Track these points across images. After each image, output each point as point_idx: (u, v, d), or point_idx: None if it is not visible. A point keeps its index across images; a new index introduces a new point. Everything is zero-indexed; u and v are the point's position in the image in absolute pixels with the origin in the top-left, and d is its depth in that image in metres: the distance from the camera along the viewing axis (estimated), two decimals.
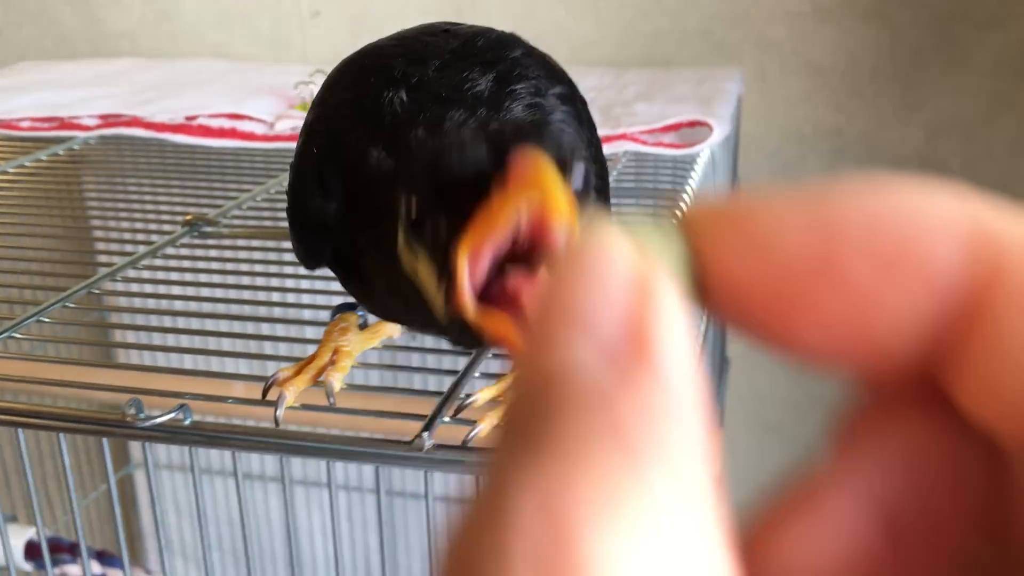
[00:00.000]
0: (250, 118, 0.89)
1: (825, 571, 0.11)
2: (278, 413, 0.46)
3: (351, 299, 0.51)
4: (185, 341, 0.60)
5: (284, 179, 0.74)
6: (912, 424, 0.11)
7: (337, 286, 0.62)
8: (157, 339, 0.74)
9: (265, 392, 0.47)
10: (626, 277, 0.09)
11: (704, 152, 0.78)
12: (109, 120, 0.90)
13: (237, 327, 0.67)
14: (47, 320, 0.56)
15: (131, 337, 0.73)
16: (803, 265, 0.10)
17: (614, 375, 0.09)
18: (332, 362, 0.49)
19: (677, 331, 0.09)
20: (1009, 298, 0.10)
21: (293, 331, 0.62)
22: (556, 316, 0.09)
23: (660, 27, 1.10)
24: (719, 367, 0.95)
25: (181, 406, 0.45)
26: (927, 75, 1.05)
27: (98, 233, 0.78)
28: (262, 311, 0.66)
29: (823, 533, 0.11)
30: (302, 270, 0.70)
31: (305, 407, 0.47)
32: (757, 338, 0.11)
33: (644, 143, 0.80)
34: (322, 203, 0.41)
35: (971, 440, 0.11)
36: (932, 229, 0.10)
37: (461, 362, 0.51)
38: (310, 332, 0.57)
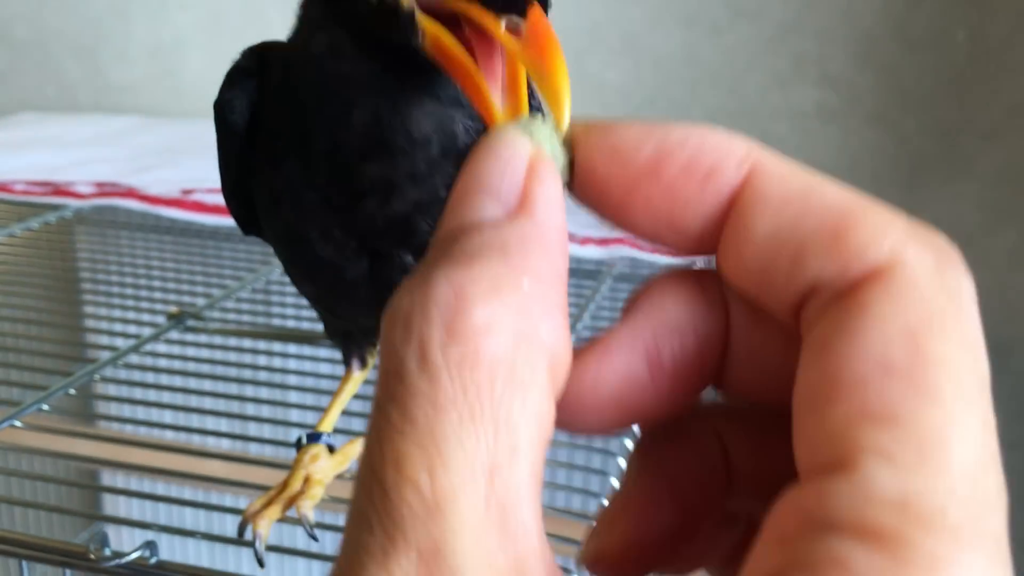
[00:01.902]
0: None
1: (610, 390, 0.17)
2: (259, 553, 0.44)
3: (315, 430, 0.50)
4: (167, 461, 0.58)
5: (278, 268, 0.73)
6: (676, 295, 0.17)
7: (328, 384, 0.61)
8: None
9: (241, 531, 0.45)
10: (523, 162, 0.16)
11: (699, 262, 0.77)
12: (105, 189, 0.90)
13: (223, 425, 0.65)
14: (20, 425, 0.54)
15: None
16: (641, 169, 0.16)
17: (506, 221, 0.15)
18: (302, 491, 0.47)
19: (551, 197, 0.15)
20: (753, 197, 0.15)
21: (280, 432, 0.60)
22: (475, 186, 0.15)
23: (664, 117, 1.10)
24: None
25: (148, 543, 0.44)
26: (928, 182, 1.05)
27: (88, 322, 0.76)
28: (249, 409, 0.65)
29: (606, 365, 0.17)
30: (291, 365, 0.69)
31: (286, 551, 0.45)
32: (601, 215, 0.17)
33: (640, 248, 0.79)
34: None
35: (714, 305, 0.17)
36: (723, 153, 0.16)
37: None
38: (295, 432, 0.56)
